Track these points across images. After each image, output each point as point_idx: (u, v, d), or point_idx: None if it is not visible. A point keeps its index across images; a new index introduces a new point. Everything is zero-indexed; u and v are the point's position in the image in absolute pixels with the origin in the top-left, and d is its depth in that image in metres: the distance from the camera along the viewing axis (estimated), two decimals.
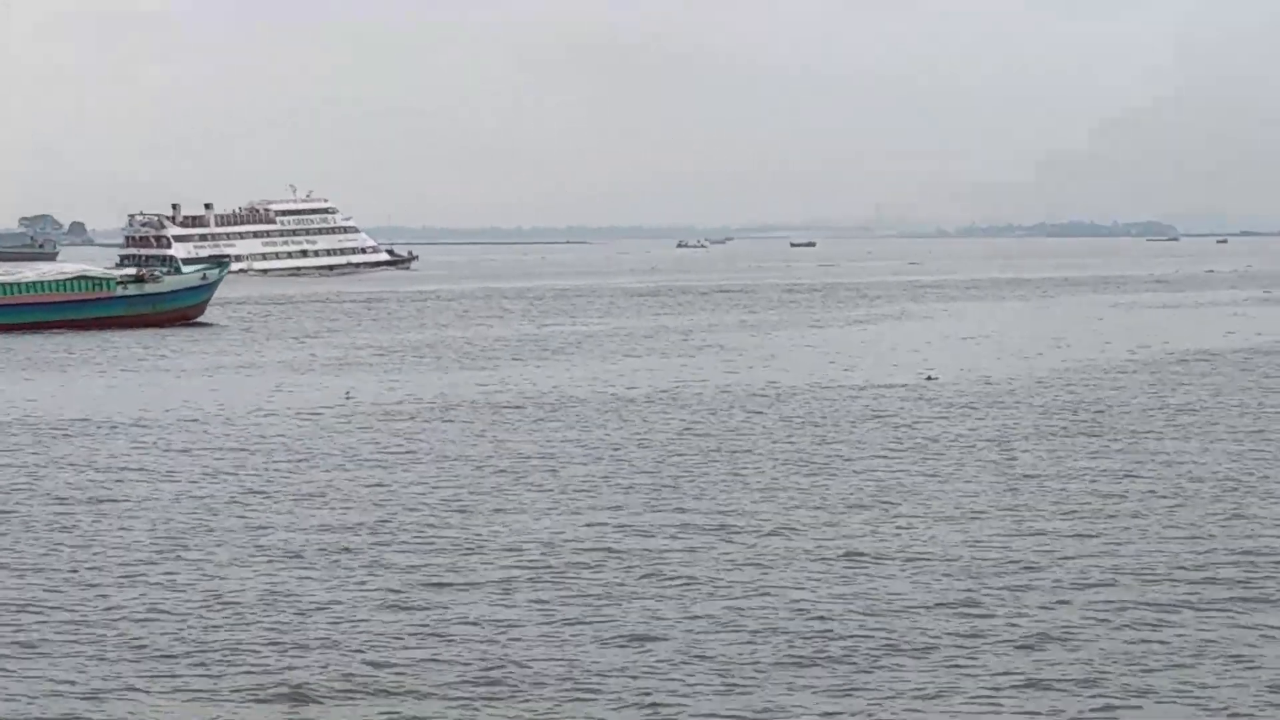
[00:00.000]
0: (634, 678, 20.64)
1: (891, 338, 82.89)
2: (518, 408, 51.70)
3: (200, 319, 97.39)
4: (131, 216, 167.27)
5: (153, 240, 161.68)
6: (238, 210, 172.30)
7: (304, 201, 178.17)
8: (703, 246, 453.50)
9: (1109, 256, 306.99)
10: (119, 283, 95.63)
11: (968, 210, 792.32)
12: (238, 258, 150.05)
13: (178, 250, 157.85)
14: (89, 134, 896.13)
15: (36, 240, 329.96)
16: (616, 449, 41.31)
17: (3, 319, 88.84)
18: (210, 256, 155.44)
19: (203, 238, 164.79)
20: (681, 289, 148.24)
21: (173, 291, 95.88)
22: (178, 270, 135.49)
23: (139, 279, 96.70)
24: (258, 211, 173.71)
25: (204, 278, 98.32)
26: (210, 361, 72.51)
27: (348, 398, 55.21)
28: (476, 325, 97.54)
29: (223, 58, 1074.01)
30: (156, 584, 26.29)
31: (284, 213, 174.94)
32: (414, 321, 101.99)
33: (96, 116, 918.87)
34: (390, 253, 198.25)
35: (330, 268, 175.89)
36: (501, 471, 37.79)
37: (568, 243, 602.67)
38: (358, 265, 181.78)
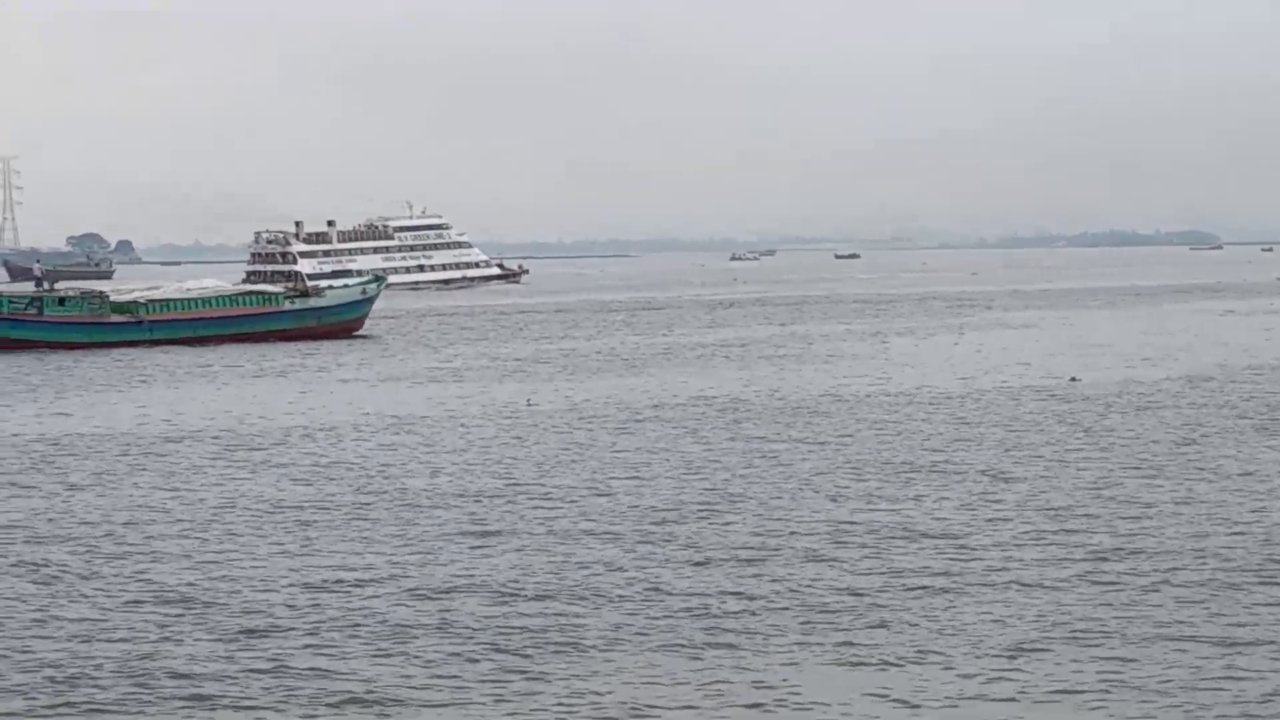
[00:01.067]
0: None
1: (1012, 343, 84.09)
2: (710, 411, 52.67)
3: (360, 332, 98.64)
4: (258, 234, 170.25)
5: (278, 256, 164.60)
6: (357, 227, 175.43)
7: (420, 218, 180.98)
8: (755, 259, 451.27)
9: (1171, 264, 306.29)
10: (286, 297, 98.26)
11: (1007, 221, 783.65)
12: (359, 273, 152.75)
13: (303, 266, 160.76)
14: (125, 147, 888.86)
15: (93, 259, 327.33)
16: (823, 445, 42.68)
17: (180, 332, 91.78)
18: (334, 271, 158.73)
19: (326, 254, 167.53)
20: (775, 300, 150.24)
21: (336, 305, 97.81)
22: (303, 284, 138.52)
23: (303, 293, 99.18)
24: (376, 228, 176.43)
25: (364, 292, 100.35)
26: (386, 370, 73.81)
27: (529, 404, 56.34)
28: (614, 335, 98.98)
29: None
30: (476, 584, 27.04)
31: (402, 229, 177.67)
32: (551, 331, 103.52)
33: (129, 128, 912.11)
34: (501, 266, 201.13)
35: (446, 282, 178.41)
36: (748, 466, 38.99)
37: (611, 256, 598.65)
38: (472, 279, 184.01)
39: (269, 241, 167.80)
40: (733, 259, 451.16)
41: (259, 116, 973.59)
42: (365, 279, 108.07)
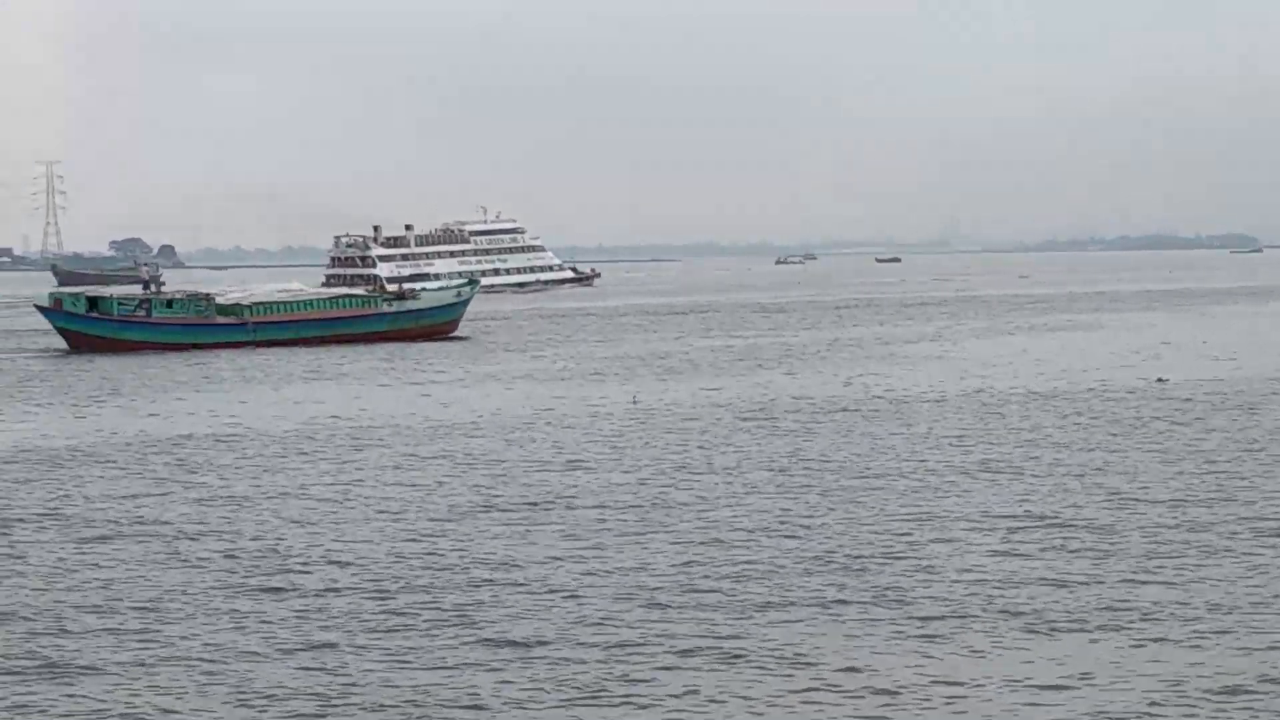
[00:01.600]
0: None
1: (1088, 344, 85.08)
2: (819, 408, 53.68)
3: (454, 334, 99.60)
4: (337, 238, 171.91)
5: (358, 260, 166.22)
6: (434, 231, 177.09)
7: (495, 222, 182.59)
8: (800, 262, 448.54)
9: (1217, 268, 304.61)
10: (384, 299, 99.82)
11: (1046, 224, 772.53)
12: (435, 276, 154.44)
13: (381, 269, 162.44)
14: (158, 152, 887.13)
15: (139, 264, 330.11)
16: (925, 440, 44.09)
17: (283, 334, 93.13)
18: (412, 275, 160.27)
19: (404, 257, 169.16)
20: (842, 303, 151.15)
21: (432, 308, 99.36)
22: (383, 287, 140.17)
23: (400, 296, 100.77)
24: (452, 232, 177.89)
25: (458, 295, 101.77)
26: (490, 370, 74.96)
27: (634, 402, 57.45)
28: (695, 336, 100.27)
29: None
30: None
31: (477, 233, 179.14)
32: (633, 333, 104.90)
33: (165, 135, 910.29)
34: (574, 270, 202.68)
35: (521, 285, 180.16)
36: (878, 460, 39.97)
37: (654, 260, 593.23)
38: (546, 282, 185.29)
39: (348, 245, 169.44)
40: (778, 262, 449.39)
41: (311, 124, 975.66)
42: (460, 282, 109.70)
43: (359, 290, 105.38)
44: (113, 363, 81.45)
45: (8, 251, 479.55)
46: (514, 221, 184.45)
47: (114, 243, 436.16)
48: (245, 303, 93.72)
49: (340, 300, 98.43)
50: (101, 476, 40.94)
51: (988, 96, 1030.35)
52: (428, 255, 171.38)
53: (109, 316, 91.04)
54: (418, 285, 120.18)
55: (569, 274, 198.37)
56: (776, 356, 79.84)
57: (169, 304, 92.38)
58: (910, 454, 41.51)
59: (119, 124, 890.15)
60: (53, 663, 22.74)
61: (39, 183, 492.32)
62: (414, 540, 31.04)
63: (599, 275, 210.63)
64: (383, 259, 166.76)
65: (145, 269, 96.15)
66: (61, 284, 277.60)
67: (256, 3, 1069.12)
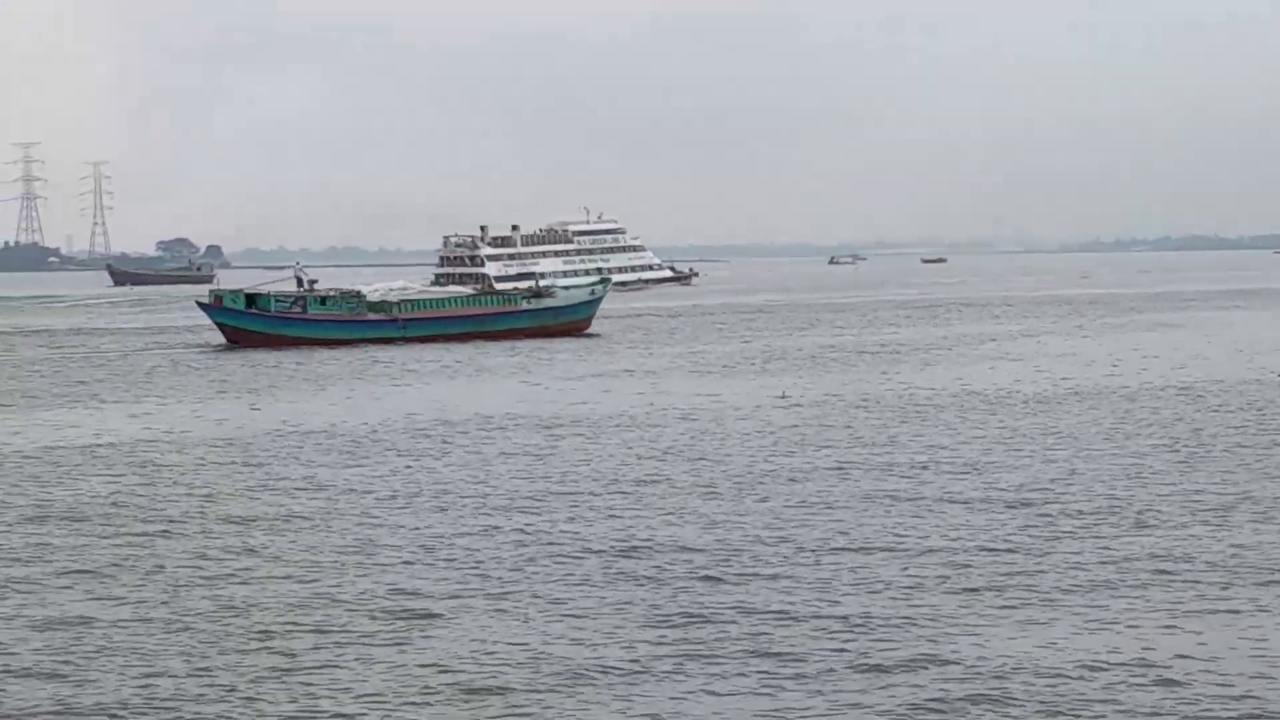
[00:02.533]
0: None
1: (1183, 342, 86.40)
2: (957, 401, 55.19)
3: (588, 331, 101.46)
4: (446, 238, 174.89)
5: (467, 259, 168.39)
6: (538, 231, 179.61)
7: (597, 222, 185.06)
8: (852, 262, 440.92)
9: (1271, 268, 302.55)
10: (523, 297, 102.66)
11: (1088, 225, 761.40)
12: (541, 275, 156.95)
13: (490, 269, 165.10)
14: (200, 154, 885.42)
15: (194, 265, 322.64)
16: (1072, 434, 45.14)
17: (430, 330, 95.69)
18: (519, 274, 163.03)
19: (511, 257, 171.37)
20: (918, 302, 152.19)
21: (568, 306, 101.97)
22: (491, 286, 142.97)
23: (537, 294, 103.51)
24: (556, 232, 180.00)
25: (592, 293, 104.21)
26: (634, 365, 76.83)
27: (784, 396, 58.63)
28: (809, 333, 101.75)
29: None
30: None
31: (580, 233, 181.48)
32: (751, 330, 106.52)
33: (217, 138, 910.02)
34: (673, 269, 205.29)
35: (624, 284, 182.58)
36: (1020, 452, 41.16)
37: (701, 260, 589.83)
38: (647, 281, 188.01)
39: (457, 245, 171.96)
40: (831, 262, 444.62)
41: (357, 126, 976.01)
42: (592, 280, 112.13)
43: (454, 289, 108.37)
44: (271, 357, 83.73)
45: (54, 252, 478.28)
46: (615, 222, 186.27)
47: (161, 243, 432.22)
48: (394, 300, 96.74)
49: (483, 298, 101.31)
50: (298, 460, 43.25)
51: (1029, 97, 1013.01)
52: (533, 255, 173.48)
53: (266, 313, 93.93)
54: (560, 283, 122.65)
55: (668, 273, 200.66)
56: (896, 353, 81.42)
57: (322, 301, 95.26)
58: (1103, 443, 43.05)
59: (162, 126, 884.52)
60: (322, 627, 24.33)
61: (86, 184, 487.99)
62: (685, 518, 32.93)
63: (697, 275, 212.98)
64: (490, 258, 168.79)
65: (298, 270, 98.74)
66: (116, 284, 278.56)
67: (302, 8, 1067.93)
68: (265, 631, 24.33)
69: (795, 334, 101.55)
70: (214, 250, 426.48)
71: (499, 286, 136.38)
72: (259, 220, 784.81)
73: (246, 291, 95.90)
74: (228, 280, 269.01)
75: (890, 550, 29.09)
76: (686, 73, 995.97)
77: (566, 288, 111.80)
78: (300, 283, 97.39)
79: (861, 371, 70.50)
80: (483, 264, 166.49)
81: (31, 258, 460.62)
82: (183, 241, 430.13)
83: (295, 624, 24.75)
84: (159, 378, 73.57)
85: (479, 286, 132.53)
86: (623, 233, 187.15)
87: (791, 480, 37.74)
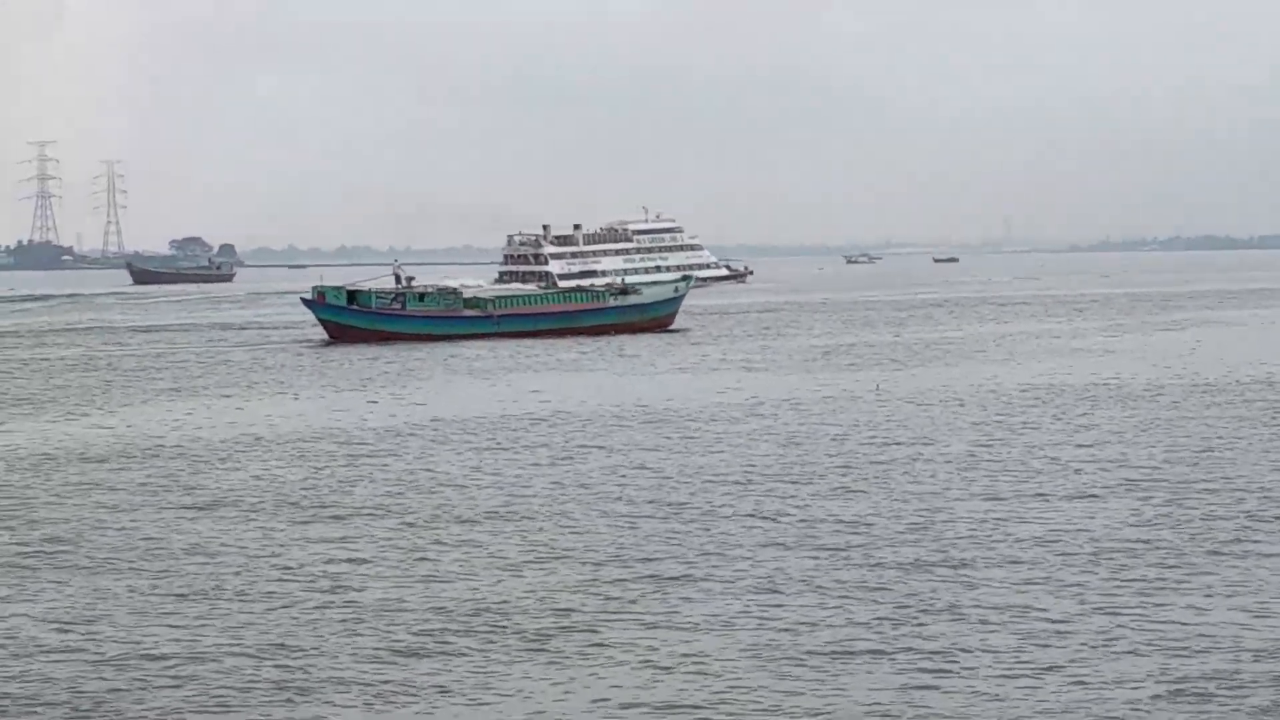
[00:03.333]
0: None
1: (1243, 338, 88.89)
2: (1051, 395, 56.53)
3: (672, 327, 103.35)
4: (510, 236, 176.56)
5: (530, 258, 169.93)
6: (599, 230, 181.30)
7: (655, 221, 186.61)
8: (869, 262, 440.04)
9: None
10: (610, 294, 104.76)
11: (1098, 224, 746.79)
12: (603, 273, 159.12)
13: (553, 266, 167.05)
14: (210, 153, 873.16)
15: (214, 263, 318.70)
16: (1170, 428, 46.43)
17: (522, 326, 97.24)
18: (581, 272, 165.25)
19: (573, 255, 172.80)
20: (953, 301, 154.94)
21: (654, 303, 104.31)
22: (554, 283, 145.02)
23: (624, 291, 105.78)
24: (616, 231, 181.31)
25: (675, 290, 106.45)
26: (724, 359, 78.41)
27: (877, 389, 60.31)
28: (872, 330, 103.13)
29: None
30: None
31: (640, 232, 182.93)
32: (822, 326, 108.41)
33: (226, 137, 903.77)
34: (728, 267, 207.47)
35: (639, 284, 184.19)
36: (1127, 444, 42.49)
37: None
38: (704, 280, 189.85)
39: (521, 244, 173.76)
40: (849, 262, 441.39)
41: (367, 125, 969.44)
42: (676, 278, 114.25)
43: (517, 287, 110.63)
44: (375, 351, 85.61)
45: (68, 250, 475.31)
46: (673, 221, 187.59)
47: (173, 241, 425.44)
48: (488, 297, 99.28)
49: (573, 294, 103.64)
50: (456, 451, 44.74)
51: (1036, 97, 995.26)
52: (594, 253, 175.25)
53: (367, 309, 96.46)
54: (645, 279, 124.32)
55: (724, 271, 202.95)
56: (961, 350, 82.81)
57: (421, 297, 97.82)
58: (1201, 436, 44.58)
59: (171, 125, 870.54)
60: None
61: (99, 182, 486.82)
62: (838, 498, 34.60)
63: (752, 273, 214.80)
64: (554, 256, 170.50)
65: (396, 267, 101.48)
66: (136, 282, 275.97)
67: (312, 5, 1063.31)
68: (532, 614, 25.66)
69: (857, 329, 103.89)
70: (227, 249, 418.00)
71: (561, 284, 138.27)
72: (269, 219, 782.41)
73: (348, 289, 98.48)
74: (246, 278, 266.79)
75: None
76: (695, 65, 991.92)
77: (651, 284, 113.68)
78: (399, 279, 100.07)
79: (937, 367, 72.19)
80: (546, 262, 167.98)
81: (45, 256, 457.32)
82: (195, 240, 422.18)
83: (535, 613, 25.37)
84: (282, 373, 75.32)
85: (543, 284, 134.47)
86: (680, 231, 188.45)
87: (932, 465, 39.57)
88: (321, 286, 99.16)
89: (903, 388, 61.61)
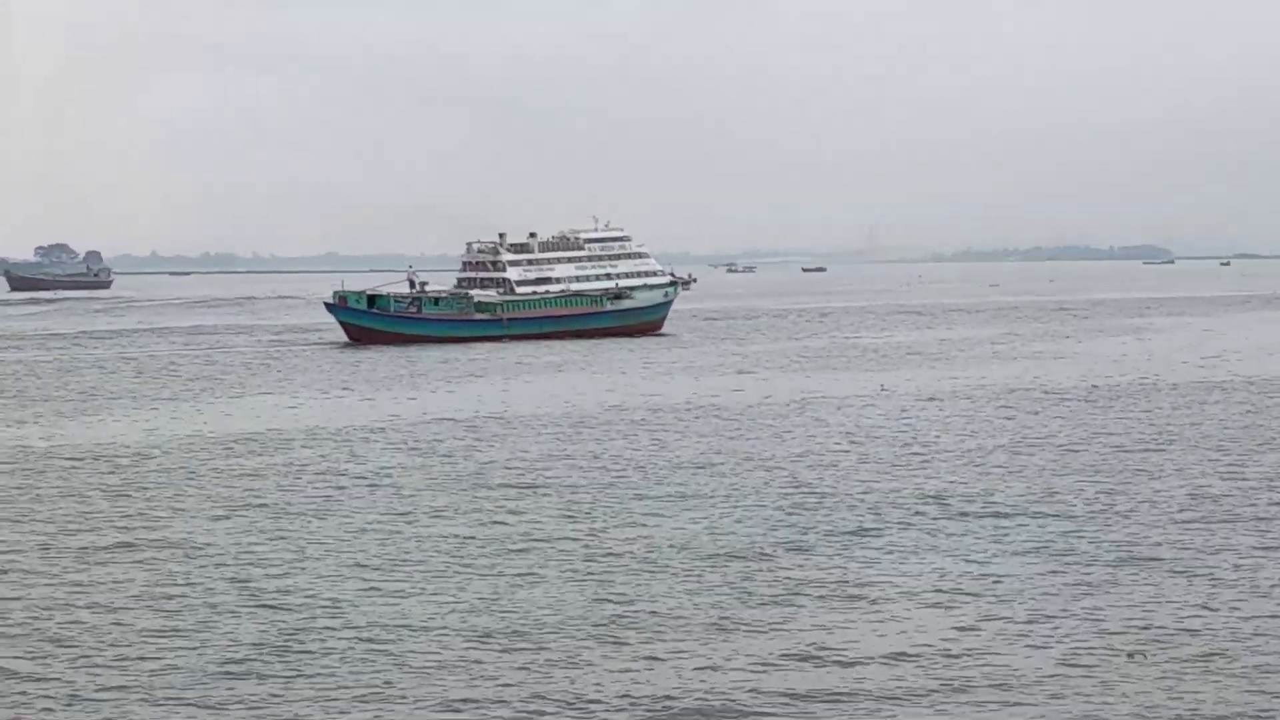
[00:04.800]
0: None
1: (1199, 341, 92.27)
2: (1045, 394, 59.56)
3: (662, 330, 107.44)
4: (469, 244, 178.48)
5: (489, 264, 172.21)
6: (551, 238, 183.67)
7: (605, 230, 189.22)
8: (744, 271, 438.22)
9: (1160, 278, 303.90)
10: (608, 298, 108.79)
11: (961, 234, 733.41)
12: (557, 279, 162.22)
13: (510, 273, 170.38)
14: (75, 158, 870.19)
15: (92, 270, 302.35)
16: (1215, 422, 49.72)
17: (529, 329, 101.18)
18: (537, 279, 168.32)
19: (529, 262, 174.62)
20: (881, 309, 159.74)
21: (647, 307, 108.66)
22: (512, 290, 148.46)
23: (617, 296, 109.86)
24: (568, 239, 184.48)
25: (665, 295, 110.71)
26: (718, 361, 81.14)
27: (882, 390, 62.68)
28: (842, 332, 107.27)
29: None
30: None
31: (591, 240, 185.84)
32: (792, 331, 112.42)
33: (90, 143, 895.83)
34: (673, 275, 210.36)
35: (631, 289, 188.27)
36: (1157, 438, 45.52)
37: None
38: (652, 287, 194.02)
39: (480, 251, 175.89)
40: (729, 271, 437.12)
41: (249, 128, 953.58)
42: (665, 284, 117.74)
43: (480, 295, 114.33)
44: (395, 352, 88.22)
45: None
46: (621, 230, 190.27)
47: (40, 248, 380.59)
48: (497, 301, 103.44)
49: (573, 299, 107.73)
50: (522, 438, 47.56)
51: (903, 111, 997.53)
52: (549, 260, 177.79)
53: (386, 312, 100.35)
54: (595, 285, 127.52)
55: (670, 279, 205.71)
56: (935, 352, 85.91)
57: (436, 302, 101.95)
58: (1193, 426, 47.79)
59: (35, 129, 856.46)
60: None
61: None
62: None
63: (695, 280, 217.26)
64: (511, 263, 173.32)
65: (410, 273, 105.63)
66: (14, 289, 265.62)
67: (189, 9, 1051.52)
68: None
69: (826, 334, 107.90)
70: (94, 256, 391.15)
71: (520, 290, 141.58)
72: (134, 225, 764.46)
73: (369, 293, 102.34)
74: (125, 285, 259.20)
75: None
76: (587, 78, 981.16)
77: (641, 289, 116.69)
78: (413, 285, 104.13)
79: (928, 368, 75.28)
80: (504, 269, 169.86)
81: None
82: (62, 247, 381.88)
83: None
84: (312, 371, 77.88)
85: (501, 290, 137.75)
86: (629, 240, 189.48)
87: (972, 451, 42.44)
88: (343, 291, 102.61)
89: (912, 387, 64.89)
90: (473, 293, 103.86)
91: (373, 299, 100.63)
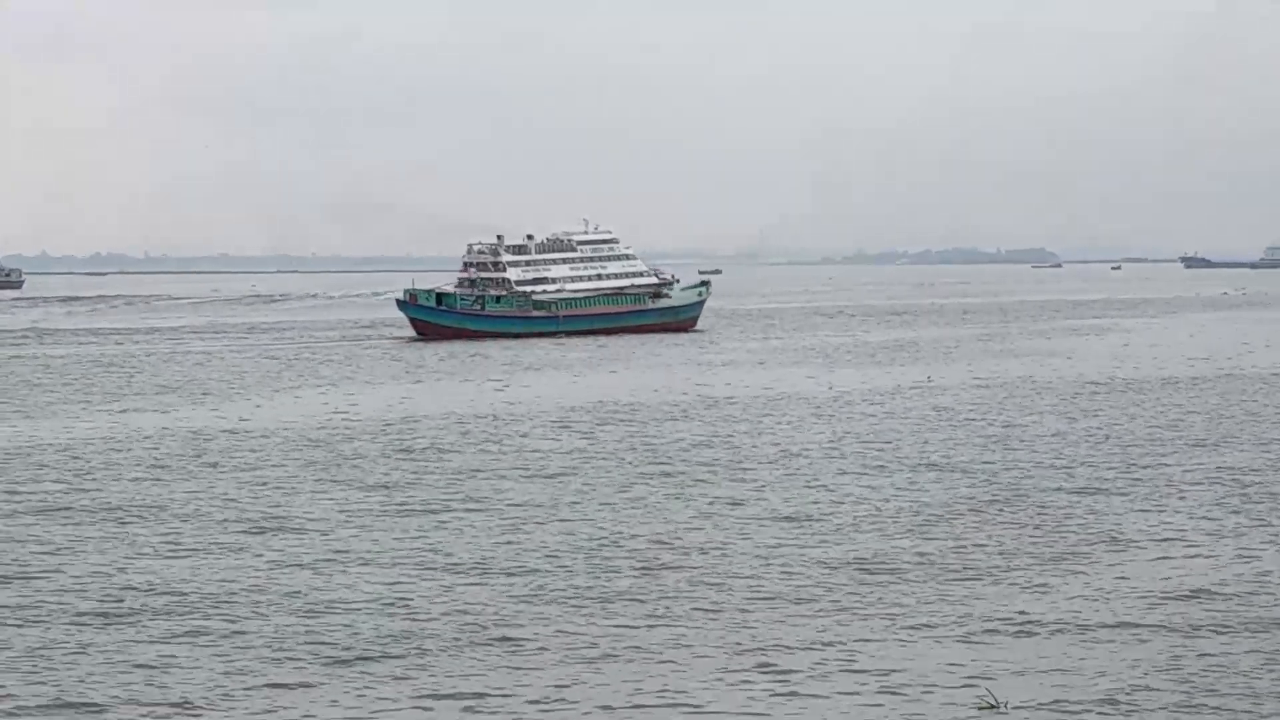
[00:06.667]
0: None
1: (1170, 339, 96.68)
2: (1072, 385, 63.35)
3: (696, 327, 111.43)
4: (470, 245, 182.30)
5: (490, 265, 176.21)
6: (546, 240, 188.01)
7: (595, 233, 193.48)
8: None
9: (1076, 281, 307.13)
10: (649, 296, 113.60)
11: (850, 237, 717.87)
12: (552, 280, 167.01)
13: (510, 274, 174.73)
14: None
15: (4, 270, 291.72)
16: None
17: (581, 325, 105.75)
18: (534, 279, 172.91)
19: (527, 263, 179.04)
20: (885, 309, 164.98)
21: (684, 305, 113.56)
22: (512, 289, 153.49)
23: (656, 295, 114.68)
24: (561, 241, 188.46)
25: (699, 294, 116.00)
26: (760, 356, 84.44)
27: (929, 381, 65.73)
28: (848, 330, 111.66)
29: None
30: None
31: (583, 242, 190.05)
32: (805, 325, 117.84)
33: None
34: (657, 275, 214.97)
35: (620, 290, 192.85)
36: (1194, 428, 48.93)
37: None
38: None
39: (479, 252, 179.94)
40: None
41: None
42: (697, 284, 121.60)
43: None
44: (459, 347, 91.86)
45: None
46: (610, 232, 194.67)
47: None
48: (553, 299, 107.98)
49: (620, 297, 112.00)
50: (618, 425, 50.52)
51: (787, 115, 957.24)
52: (545, 262, 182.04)
53: (453, 309, 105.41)
54: (588, 285, 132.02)
55: (655, 280, 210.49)
56: (932, 350, 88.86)
57: (497, 300, 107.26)
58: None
59: None
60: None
61: None
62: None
63: (679, 281, 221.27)
64: (510, 264, 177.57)
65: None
66: None
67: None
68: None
69: (845, 332, 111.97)
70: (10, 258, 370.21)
71: (518, 290, 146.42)
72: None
73: (437, 291, 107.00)
74: (33, 286, 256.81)
75: None
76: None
77: (682, 289, 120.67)
78: (474, 283, 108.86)
79: (959, 362, 79.16)
80: (504, 269, 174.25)
81: None
82: None
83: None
84: (390, 365, 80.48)
85: (502, 290, 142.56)
86: (617, 242, 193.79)
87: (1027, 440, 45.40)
88: (413, 289, 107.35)
89: (956, 378, 68.46)
90: (528, 290, 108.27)
91: (440, 297, 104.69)
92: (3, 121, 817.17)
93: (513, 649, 22.73)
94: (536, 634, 23.48)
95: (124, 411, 58.09)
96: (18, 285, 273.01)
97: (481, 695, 20.66)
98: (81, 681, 21.38)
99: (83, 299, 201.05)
